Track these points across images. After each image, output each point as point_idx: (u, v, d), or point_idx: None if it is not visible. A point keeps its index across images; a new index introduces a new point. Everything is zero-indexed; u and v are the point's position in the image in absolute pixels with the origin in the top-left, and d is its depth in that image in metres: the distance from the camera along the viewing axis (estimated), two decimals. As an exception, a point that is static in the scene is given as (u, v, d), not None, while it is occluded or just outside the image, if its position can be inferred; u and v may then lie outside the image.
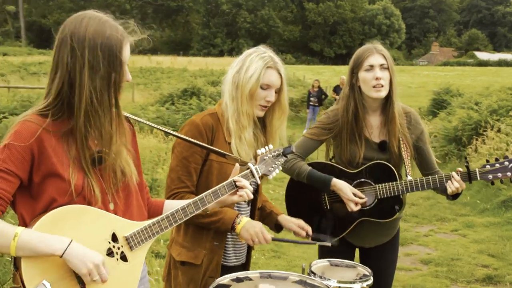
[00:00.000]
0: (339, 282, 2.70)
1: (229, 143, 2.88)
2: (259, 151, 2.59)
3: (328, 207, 3.39)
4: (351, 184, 3.29)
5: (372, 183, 3.27)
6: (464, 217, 8.54)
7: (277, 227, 3.14)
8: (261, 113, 2.94)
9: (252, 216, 3.07)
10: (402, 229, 7.81)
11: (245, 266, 3.11)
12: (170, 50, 76.91)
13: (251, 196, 2.50)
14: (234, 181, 2.46)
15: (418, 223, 8.34)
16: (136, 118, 2.56)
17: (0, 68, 35.10)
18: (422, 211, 8.91)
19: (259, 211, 3.13)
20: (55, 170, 2.06)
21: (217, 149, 2.71)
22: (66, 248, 1.98)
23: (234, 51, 76.82)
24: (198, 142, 2.69)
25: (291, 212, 3.50)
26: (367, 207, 3.29)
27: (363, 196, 3.25)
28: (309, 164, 3.40)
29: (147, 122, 2.67)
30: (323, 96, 20.68)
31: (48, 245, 1.97)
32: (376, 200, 3.26)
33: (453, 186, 3.13)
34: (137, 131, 5.52)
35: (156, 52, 75.75)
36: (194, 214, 2.37)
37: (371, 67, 3.24)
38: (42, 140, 2.05)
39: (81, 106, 2.07)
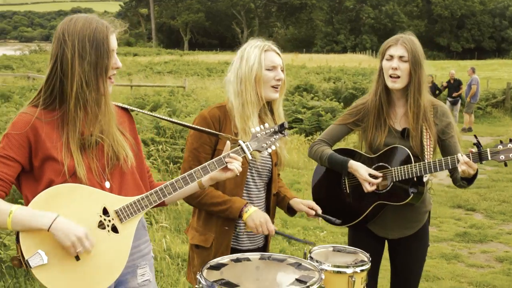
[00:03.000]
0: (333, 266, 2.77)
1: (236, 134, 3.02)
2: (252, 129, 2.69)
3: (348, 191, 3.45)
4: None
5: (389, 167, 3.29)
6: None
7: (290, 210, 3.25)
8: (276, 95, 3.07)
9: (267, 202, 3.20)
10: (485, 225, 7.60)
11: (263, 250, 3.23)
12: (293, 48, 77.53)
13: (240, 169, 2.58)
14: (223, 157, 2.58)
15: (504, 220, 7.98)
16: (140, 110, 2.79)
17: (128, 68, 37.04)
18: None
19: (275, 196, 3.25)
20: (50, 154, 2.32)
21: (209, 130, 2.86)
22: (52, 223, 2.22)
23: (358, 48, 76.14)
24: (195, 127, 2.87)
25: (315, 196, 3.62)
26: (383, 191, 3.31)
27: (379, 174, 3.28)
28: (334, 150, 3.48)
29: (151, 113, 2.88)
30: (437, 92, 20.11)
31: (37, 220, 2.23)
32: (392, 183, 3.28)
33: (461, 167, 3.06)
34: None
35: (279, 49, 76.79)
36: (183, 189, 2.53)
37: (391, 57, 3.30)
38: (37, 128, 2.33)
39: (72, 91, 2.32)
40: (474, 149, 3.05)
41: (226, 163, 2.57)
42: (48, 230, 2.23)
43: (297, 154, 10.99)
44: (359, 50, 73.22)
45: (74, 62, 2.32)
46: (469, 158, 3.03)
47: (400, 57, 3.26)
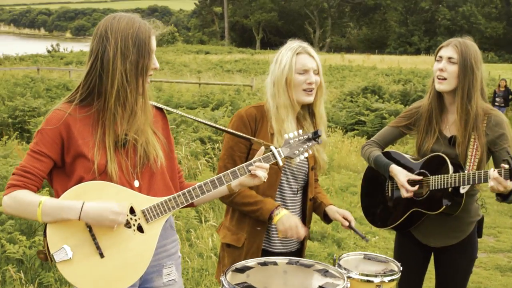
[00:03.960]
0: (361, 274, 2.74)
1: (272, 134, 3.02)
2: (286, 136, 2.68)
3: (390, 195, 3.45)
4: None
5: (428, 174, 3.24)
6: None
7: (326, 217, 3.22)
8: (309, 98, 3.04)
9: (303, 206, 3.19)
10: None
11: (298, 254, 3.22)
12: (365, 48, 76.69)
13: (266, 176, 2.58)
14: (254, 162, 2.59)
15: None
16: (174, 110, 2.84)
17: (199, 66, 37.66)
18: None
19: (312, 201, 3.23)
20: (81, 151, 2.38)
21: (242, 134, 2.86)
22: (81, 211, 2.29)
23: (432, 50, 74.38)
24: (229, 130, 2.90)
25: (363, 197, 3.67)
26: (420, 198, 3.27)
27: (418, 178, 3.25)
28: (384, 152, 3.48)
29: (183, 114, 2.92)
30: (510, 96, 19.50)
31: (65, 211, 2.30)
32: (429, 191, 3.22)
33: (490, 182, 2.96)
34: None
35: (351, 50, 76.09)
36: (212, 192, 2.55)
37: (440, 58, 3.25)
38: (69, 125, 2.38)
39: (113, 88, 2.37)
40: (507, 166, 2.93)
41: (250, 170, 2.57)
42: (79, 219, 2.29)
43: (356, 157, 10.87)
44: (433, 52, 71.37)
45: (116, 59, 2.36)
46: (500, 174, 2.92)
47: (449, 58, 3.19)
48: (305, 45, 3.07)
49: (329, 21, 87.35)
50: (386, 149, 3.55)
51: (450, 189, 3.13)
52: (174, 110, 2.88)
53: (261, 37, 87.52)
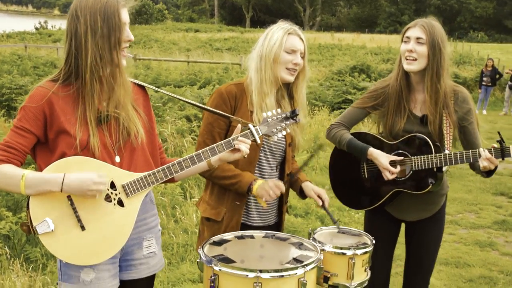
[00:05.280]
0: (334, 247, 2.83)
1: (251, 112, 3.10)
2: (264, 114, 2.77)
3: (366, 176, 3.49)
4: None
5: (408, 155, 3.31)
6: None
7: (302, 193, 3.30)
8: (290, 77, 3.12)
9: (281, 180, 3.27)
10: None
11: (276, 228, 3.32)
12: (356, 27, 76.45)
13: (248, 151, 2.67)
14: (232, 139, 2.68)
15: None
16: (155, 88, 2.90)
17: (188, 44, 37.52)
18: None
19: (288, 177, 3.31)
20: (64, 127, 2.45)
21: (221, 112, 2.94)
22: (62, 182, 2.37)
23: (422, 29, 74.14)
24: (208, 108, 2.97)
25: (333, 180, 3.69)
26: (402, 178, 3.34)
27: (399, 159, 3.31)
28: (352, 134, 3.51)
29: (166, 92, 2.99)
30: (497, 76, 19.63)
31: (47, 183, 2.38)
32: (412, 172, 3.30)
33: (482, 162, 3.08)
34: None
35: (341, 29, 75.85)
36: (190, 168, 2.63)
37: (408, 39, 3.29)
38: (52, 102, 2.45)
39: (87, 64, 2.43)
40: (497, 145, 3.06)
41: (234, 145, 2.66)
42: (61, 191, 2.37)
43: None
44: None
45: (87, 36, 2.42)
46: (491, 153, 3.05)
47: (417, 39, 3.25)
48: (296, 28, 3.15)
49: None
50: (357, 130, 3.58)
51: (435, 169, 3.23)
52: (153, 88, 2.94)
53: (251, 15, 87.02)
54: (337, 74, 18.86)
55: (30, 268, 4.74)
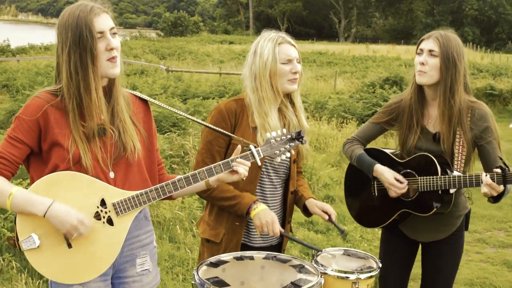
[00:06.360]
0: (337, 271, 2.69)
1: (253, 128, 2.97)
2: (268, 135, 2.63)
3: (376, 195, 3.35)
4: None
5: (416, 174, 3.16)
6: None
7: (306, 211, 3.17)
8: (294, 87, 3.01)
9: (284, 199, 3.15)
10: None
11: (277, 249, 3.18)
12: (391, 39, 75.88)
13: (246, 174, 2.55)
14: (231, 160, 2.56)
15: None
16: (157, 102, 2.81)
17: (222, 56, 37.62)
18: None
19: (293, 195, 3.18)
20: (57, 140, 2.38)
21: (222, 131, 2.82)
22: (47, 210, 2.30)
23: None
24: (209, 126, 2.86)
25: (347, 195, 3.59)
26: (409, 199, 3.19)
27: (404, 181, 3.18)
28: (365, 150, 3.39)
29: (166, 106, 2.89)
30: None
31: (33, 205, 2.31)
32: (418, 192, 3.15)
33: (483, 188, 2.91)
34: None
35: (377, 40, 75.40)
36: (185, 188, 2.53)
37: (421, 51, 3.17)
38: (48, 114, 2.39)
39: (68, 80, 2.38)
40: (500, 170, 2.88)
41: (233, 166, 2.55)
42: (44, 217, 2.30)
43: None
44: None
45: (61, 53, 2.39)
46: (493, 179, 2.87)
47: (430, 51, 3.11)
48: (283, 34, 3.01)
49: (354, 11, 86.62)
50: (368, 146, 3.46)
51: (440, 191, 3.08)
52: (157, 102, 2.83)
53: (286, 27, 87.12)
54: (370, 86, 18.63)
55: (37, 283, 4.69)
